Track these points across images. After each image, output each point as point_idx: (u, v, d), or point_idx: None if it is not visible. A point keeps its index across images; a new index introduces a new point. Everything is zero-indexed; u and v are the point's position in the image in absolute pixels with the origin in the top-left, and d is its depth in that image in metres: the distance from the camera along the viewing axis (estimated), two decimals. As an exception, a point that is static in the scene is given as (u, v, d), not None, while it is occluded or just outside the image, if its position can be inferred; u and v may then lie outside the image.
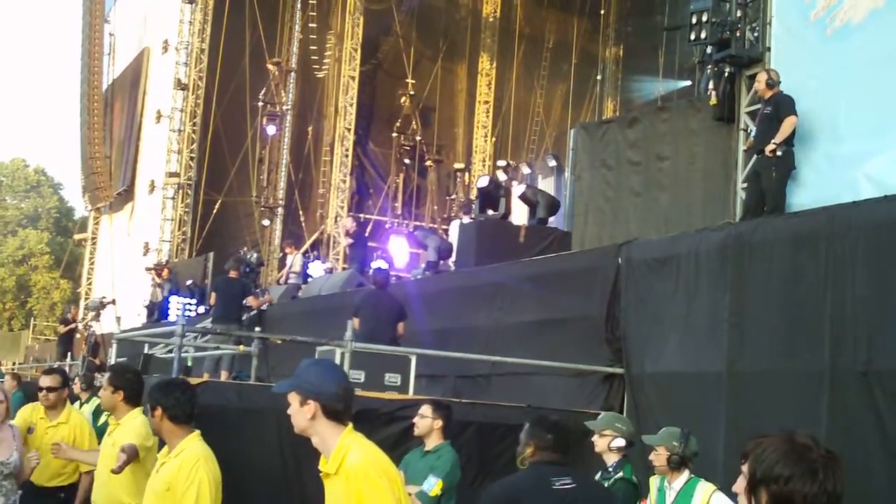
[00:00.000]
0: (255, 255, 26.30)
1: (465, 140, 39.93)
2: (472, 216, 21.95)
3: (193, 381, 9.26)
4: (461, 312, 14.54)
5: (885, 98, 11.91)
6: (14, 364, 40.27)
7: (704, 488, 6.97)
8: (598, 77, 37.13)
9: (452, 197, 37.26)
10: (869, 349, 8.06)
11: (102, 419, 10.40)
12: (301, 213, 34.99)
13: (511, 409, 10.06)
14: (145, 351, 13.85)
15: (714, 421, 9.21)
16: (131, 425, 6.96)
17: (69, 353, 27.53)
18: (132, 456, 6.63)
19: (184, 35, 33.67)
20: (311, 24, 35.74)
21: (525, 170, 29.05)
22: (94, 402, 12.95)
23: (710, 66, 14.79)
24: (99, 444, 8.66)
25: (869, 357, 8.03)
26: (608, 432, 7.64)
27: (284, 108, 34.93)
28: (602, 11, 36.39)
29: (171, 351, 12.18)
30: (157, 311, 27.88)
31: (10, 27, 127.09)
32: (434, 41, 39.00)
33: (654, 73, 32.12)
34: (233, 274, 17.94)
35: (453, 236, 21.16)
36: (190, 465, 5.83)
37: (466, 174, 38.00)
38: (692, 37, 14.43)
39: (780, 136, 12.01)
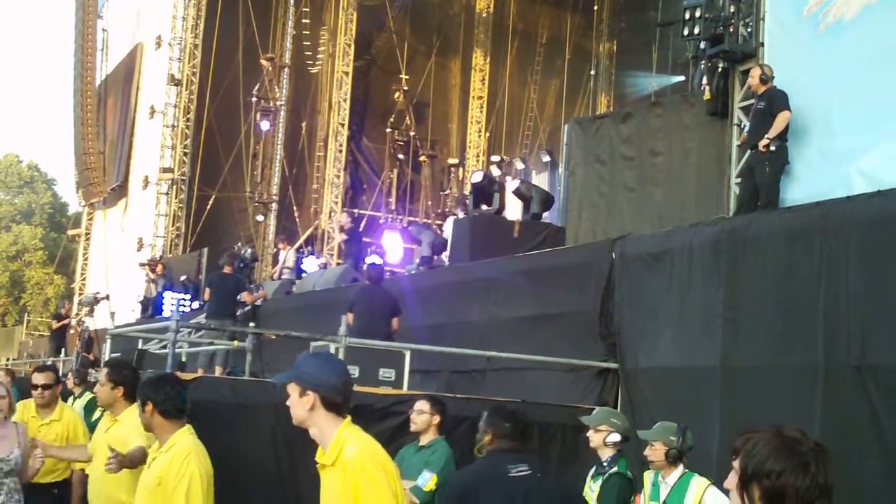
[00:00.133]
0: (249, 250, 26.30)
1: (458, 135, 39.94)
2: (466, 211, 21.94)
3: (187, 376, 9.27)
4: (455, 308, 14.54)
5: (878, 93, 11.93)
6: (8, 360, 40.18)
7: (699, 483, 6.98)
8: (592, 72, 37.13)
9: (446, 192, 37.31)
10: (863, 344, 8.07)
11: (96, 414, 10.38)
12: (295, 208, 34.96)
13: (505, 404, 10.06)
14: (139, 346, 13.83)
15: (708, 416, 9.22)
16: (131, 421, 6.94)
17: (63, 349, 27.48)
18: (140, 461, 6.57)
19: (177, 31, 33.59)
20: (304, 20, 35.77)
21: (519, 165, 29.10)
22: (87, 397, 12.94)
23: (703, 62, 14.82)
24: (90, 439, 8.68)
25: (863, 351, 8.04)
26: (603, 427, 7.64)
27: (278, 103, 34.92)
28: (595, 7, 36.42)
29: (165, 346, 12.15)
30: (151, 307, 27.84)
31: (2, 23, 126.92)
32: (428, 37, 39.00)
33: (648, 69, 32.13)
34: (227, 269, 17.93)
35: (449, 232, 21.15)
36: (181, 459, 5.84)
37: (460, 169, 38.05)
38: (685, 32, 14.45)
39: (774, 132, 12.03)
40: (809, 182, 12.36)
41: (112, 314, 28.09)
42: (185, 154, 33.26)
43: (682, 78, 28.09)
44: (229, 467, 7.63)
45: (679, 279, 10.34)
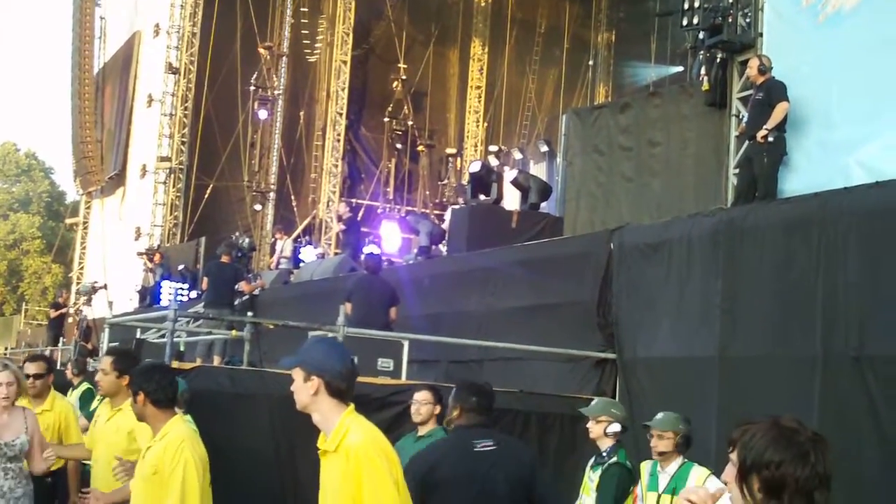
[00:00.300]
0: (246, 239, 26.29)
1: (456, 125, 39.91)
2: (466, 201, 21.96)
3: (186, 366, 9.28)
4: (453, 297, 14.55)
5: (877, 84, 11.92)
6: (6, 349, 40.19)
7: (699, 472, 6.98)
8: (590, 62, 37.12)
9: (444, 182, 37.28)
10: (861, 335, 8.08)
11: (94, 404, 10.38)
12: (293, 197, 34.93)
13: (503, 393, 10.07)
14: (137, 336, 13.83)
15: (706, 406, 9.23)
16: None
17: (60, 338, 27.48)
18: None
19: (175, 19, 33.51)
20: (302, 9, 35.73)
21: (517, 155, 29.06)
22: (83, 387, 12.93)
23: (702, 52, 14.82)
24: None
25: (861, 342, 8.05)
26: (604, 418, 7.66)
27: (276, 92, 34.92)
28: (594, -3, 36.42)
29: (163, 336, 12.14)
30: (149, 296, 27.83)
31: (0, 11, 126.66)
32: (426, 26, 38.96)
33: (647, 59, 32.12)
34: (225, 259, 17.92)
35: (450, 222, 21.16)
36: (175, 446, 5.85)
37: (458, 159, 38.02)
38: (684, 22, 14.46)
39: (772, 122, 12.03)
40: (808, 173, 12.35)
41: (110, 303, 28.05)
42: (183, 143, 33.22)
43: (680, 68, 28.05)
44: (228, 456, 7.66)
45: (677, 270, 10.35)
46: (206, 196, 33.26)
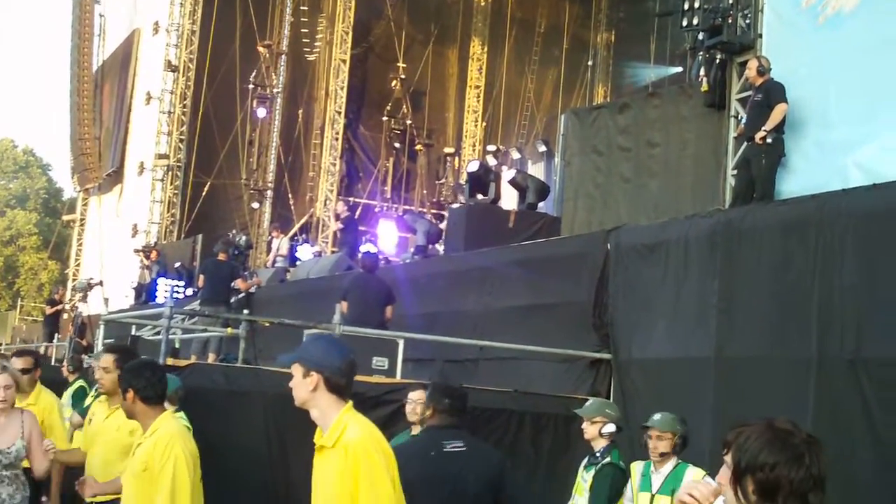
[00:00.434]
0: (243, 237, 26.26)
1: (455, 124, 39.91)
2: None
3: (181, 363, 9.26)
4: (450, 297, 14.54)
5: (876, 86, 11.91)
6: (1, 345, 40.17)
7: (695, 473, 6.96)
8: (590, 63, 37.07)
9: (442, 181, 37.26)
10: (856, 337, 8.06)
11: (88, 400, 10.33)
12: (290, 196, 34.92)
13: (498, 393, 10.06)
14: (133, 333, 13.81)
15: (701, 407, 9.21)
16: None
17: (56, 335, 27.44)
18: None
19: (174, 17, 33.50)
20: (302, 7, 35.71)
21: (515, 155, 29.05)
22: (77, 384, 12.89)
23: (701, 53, 14.80)
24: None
25: (857, 345, 8.03)
26: (599, 419, 7.64)
27: (275, 90, 34.88)
28: (594, -3, 36.40)
29: (158, 333, 12.14)
30: (145, 293, 27.82)
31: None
32: (425, 25, 38.96)
33: (646, 60, 32.08)
34: (221, 256, 17.92)
35: (450, 221, 21.15)
36: (164, 442, 5.85)
37: (456, 158, 38.02)
38: (684, 23, 14.45)
39: (771, 124, 12.01)
40: (806, 174, 12.35)
41: (106, 300, 28.05)
42: (181, 140, 33.22)
43: (679, 69, 28.03)
44: (221, 453, 7.64)
45: (674, 270, 10.33)
46: (204, 194, 33.24)
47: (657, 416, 7.19)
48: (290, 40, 35.69)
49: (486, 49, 39.48)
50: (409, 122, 38.21)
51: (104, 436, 7.15)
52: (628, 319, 10.85)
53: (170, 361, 9.25)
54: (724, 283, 9.61)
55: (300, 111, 35.76)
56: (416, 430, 7.97)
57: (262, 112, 33.99)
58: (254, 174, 34.37)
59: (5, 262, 67.01)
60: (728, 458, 3.06)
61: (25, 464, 7.40)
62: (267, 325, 13.64)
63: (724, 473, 3.07)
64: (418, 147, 38.45)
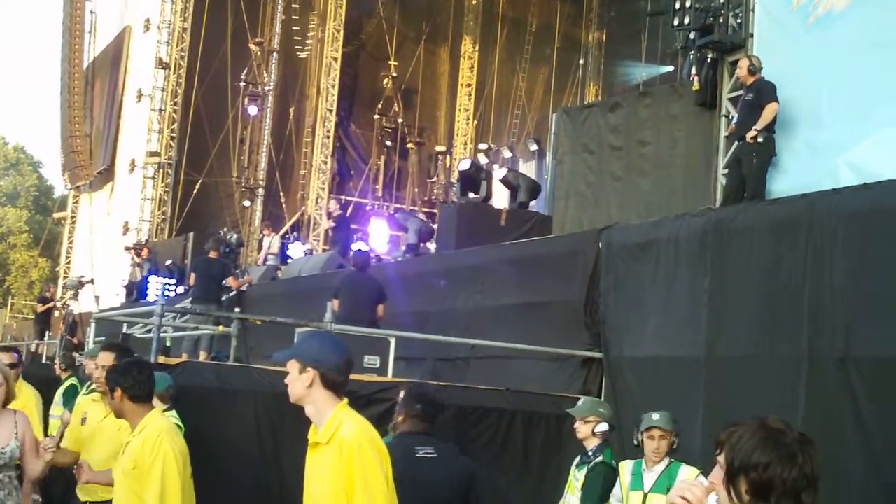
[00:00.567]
0: (235, 235, 26.23)
1: (446, 123, 39.92)
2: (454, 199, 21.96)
3: (172, 361, 9.25)
4: (441, 295, 14.53)
5: (867, 86, 11.94)
6: (-9, 342, 40.10)
7: (689, 471, 6.95)
8: (581, 61, 37.13)
9: (433, 179, 37.28)
10: (847, 336, 8.08)
11: (79, 399, 10.30)
12: (281, 194, 34.87)
13: (489, 392, 10.07)
14: (124, 331, 13.78)
15: (692, 406, 9.23)
16: None
17: (47, 332, 27.42)
18: None
19: (165, 14, 33.46)
20: (293, 5, 35.69)
21: (506, 153, 29.11)
22: (68, 382, 12.86)
23: (692, 52, 14.82)
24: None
25: (847, 344, 8.05)
26: (592, 418, 7.65)
27: (266, 88, 34.85)
28: (585, -5, 36.41)
29: (149, 331, 12.12)
30: (136, 291, 27.77)
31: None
32: (417, 23, 38.94)
33: (637, 58, 32.10)
34: (212, 254, 17.92)
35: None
36: (152, 440, 5.84)
37: (448, 157, 38.05)
38: (675, 22, 14.44)
39: (762, 123, 12.04)
40: (796, 174, 12.37)
41: (97, 298, 28.02)
42: (172, 138, 33.16)
43: (671, 68, 28.11)
44: (213, 451, 7.65)
45: (665, 269, 10.35)
46: (195, 191, 33.19)
47: (657, 416, 7.16)
48: (281, 38, 35.66)
49: (477, 47, 39.49)
50: (400, 120, 38.21)
51: (103, 435, 7.13)
52: (620, 318, 10.86)
53: (161, 359, 9.25)
54: (715, 282, 9.63)
55: (291, 109, 35.72)
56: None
57: (253, 110, 33.94)
58: (245, 172, 34.31)
59: (-4, 259, 66.89)
60: (721, 458, 3.06)
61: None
62: (258, 323, 13.63)
63: (717, 473, 3.07)
64: (410, 145, 38.46)
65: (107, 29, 39.93)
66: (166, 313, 10.30)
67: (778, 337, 8.83)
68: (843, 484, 7.49)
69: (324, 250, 28.17)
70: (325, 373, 4.53)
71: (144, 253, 29.10)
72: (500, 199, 21.14)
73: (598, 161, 16.49)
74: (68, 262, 42.24)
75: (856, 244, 8.25)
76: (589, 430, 7.62)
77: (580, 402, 8.04)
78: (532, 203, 20.62)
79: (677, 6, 14.27)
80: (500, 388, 10.12)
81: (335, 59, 35.45)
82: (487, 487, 9.15)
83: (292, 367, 4.58)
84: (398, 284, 15.08)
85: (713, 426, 8.30)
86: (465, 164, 21.20)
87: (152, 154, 33.07)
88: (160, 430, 5.93)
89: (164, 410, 7.24)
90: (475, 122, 39.14)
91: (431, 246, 20.49)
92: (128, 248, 31.90)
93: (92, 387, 7.99)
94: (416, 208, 34.55)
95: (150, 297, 24.57)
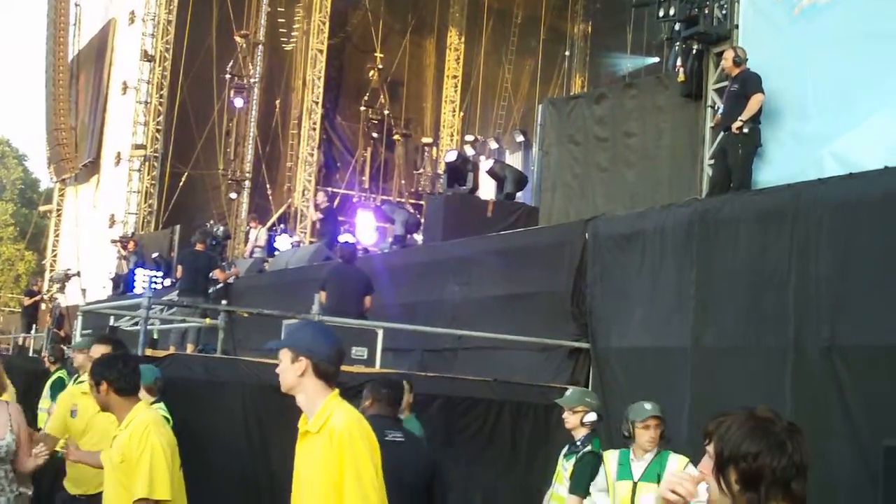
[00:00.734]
0: (221, 228, 26.18)
1: (432, 114, 39.90)
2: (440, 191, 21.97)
3: (159, 353, 9.26)
4: (428, 287, 14.55)
5: (851, 77, 11.98)
6: (-23, 336, 39.99)
7: (679, 459, 6.94)
8: (567, 53, 37.07)
9: (420, 171, 37.26)
10: (832, 325, 8.13)
11: (68, 389, 10.30)
12: (268, 186, 34.80)
13: (477, 382, 10.10)
14: (111, 323, 13.78)
15: (679, 396, 9.27)
16: None
17: (34, 325, 27.36)
18: None
19: (150, 6, 33.32)
20: (279, -4, 35.59)
21: (493, 145, 29.10)
22: (56, 374, 12.87)
23: (678, 43, 14.82)
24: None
25: (832, 333, 8.10)
26: (580, 408, 7.65)
27: (252, 80, 34.75)
28: (571, -13, 36.37)
29: (136, 323, 12.13)
30: (123, 284, 27.69)
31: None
32: (403, 15, 38.88)
33: (623, 50, 32.10)
34: (199, 247, 17.88)
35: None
36: (140, 432, 5.83)
37: (434, 148, 38.02)
38: (661, 13, 14.45)
39: (747, 114, 12.06)
40: (782, 164, 12.41)
41: (83, 291, 27.93)
42: (158, 130, 33.09)
43: (656, 59, 28.08)
44: (201, 443, 7.66)
45: (651, 260, 10.38)
46: (181, 184, 33.09)
47: (649, 406, 7.13)
48: (266, 30, 35.54)
49: (463, 39, 39.43)
50: (386, 112, 38.17)
51: (100, 428, 7.11)
52: (606, 308, 10.90)
53: (148, 352, 9.26)
54: (701, 272, 9.67)
55: (277, 101, 35.64)
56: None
57: (239, 102, 33.85)
58: (231, 164, 34.23)
59: (-19, 253, 66.61)
60: (710, 449, 3.06)
61: None
62: (246, 315, 13.65)
63: (706, 463, 3.06)
64: (396, 137, 38.42)
65: (91, 21, 39.78)
66: (153, 306, 10.30)
67: (764, 326, 8.87)
68: (829, 472, 7.53)
69: (311, 242, 28.15)
70: (318, 363, 4.53)
71: (131, 246, 29.02)
72: (487, 190, 21.15)
73: (584, 152, 16.51)
74: (54, 256, 42.14)
75: (841, 234, 8.29)
76: (577, 420, 7.63)
77: (568, 392, 8.06)
78: (518, 194, 20.63)
79: (663, -3, 14.30)
80: (488, 379, 10.16)
81: (321, 51, 35.36)
82: (475, 477, 9.19)
83: (284, 356, 4.58)
84: (385, 276, 15.10)
85: (700, 416, 8.33)
86: (452, 156, 21.20)
87: (138, 147, 32.99)
88: (147, 422, 5.92)
89: (152, 403, 7.26)
90: (461, 113, 39.12)
91: (418, 237, 20.50)
92: (114, 241, 31.83)
93: (80, 379, 7.97)
94: (403, 200, 34.57)
95: (137, 290, 24.48)
